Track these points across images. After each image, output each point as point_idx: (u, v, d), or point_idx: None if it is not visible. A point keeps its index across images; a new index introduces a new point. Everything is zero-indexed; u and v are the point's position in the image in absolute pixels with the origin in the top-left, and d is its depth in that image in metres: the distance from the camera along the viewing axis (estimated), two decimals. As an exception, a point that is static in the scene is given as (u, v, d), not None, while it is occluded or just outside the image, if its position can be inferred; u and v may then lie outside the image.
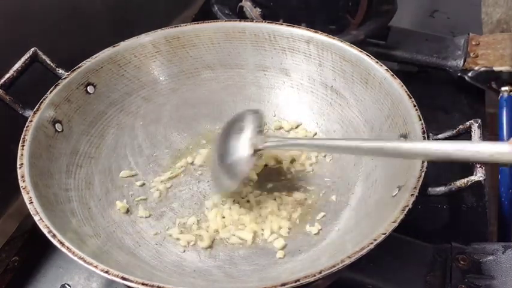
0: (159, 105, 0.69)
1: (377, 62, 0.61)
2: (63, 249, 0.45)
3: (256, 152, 0.55)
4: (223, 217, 0.59)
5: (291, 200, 0.61)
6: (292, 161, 0.65)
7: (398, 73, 0.60)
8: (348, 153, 0.62)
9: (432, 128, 0.56)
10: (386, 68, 0.61)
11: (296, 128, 0.69)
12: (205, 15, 0.90)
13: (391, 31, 0.87)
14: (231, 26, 0.69)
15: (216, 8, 0.84)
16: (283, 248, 0.56)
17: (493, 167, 0.83)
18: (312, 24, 0.69)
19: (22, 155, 0.52)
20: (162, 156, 0.67)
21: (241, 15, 0.82)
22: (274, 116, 0.70)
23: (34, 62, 0.61)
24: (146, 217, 0.60)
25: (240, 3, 0.81)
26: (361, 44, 0.65)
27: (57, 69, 0.62)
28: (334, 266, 0.43)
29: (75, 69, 0.62)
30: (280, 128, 0.69)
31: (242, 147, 0.55)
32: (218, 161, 0.58)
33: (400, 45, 0.86)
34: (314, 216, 0.59)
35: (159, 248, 0.57)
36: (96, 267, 0.43)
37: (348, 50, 0.64)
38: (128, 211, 0.60)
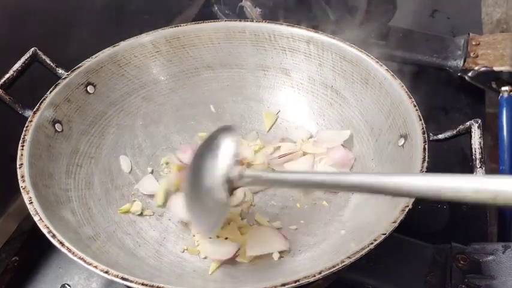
0: (159, 105, 0.69)
1: (377, 62, 0.62)
2: (63, 250, 0.45)
3: (234, 190, 0.49)
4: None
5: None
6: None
7: (398, 73, 0.60)
8: (335, 190, 0.58)
9: (432, 128, 0.56)
10: (387, 68, 0.61)
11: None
12: (205, 15, 0.90)
13: (391, 31, 0.87)
14: (231, 26, 0.69)
15: (216, 8, 0.84)
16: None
17: (493, 166, 0.83)
18: (312, 24, 0.69)
19: (22, 155, 0.52)
20: (162, 156, 0.67)
21: (241, 15, 0.82)
22: (277, 114, 0.70)
23: (34, 62, 0.61)
24: (147, 216, 0.60)
25: (240, 3, 0.81)
26: (361, 44, 0.65)
27: (57, 69, 0.62)
28: (334, 266, 0.43)
29: (75, 69, 0.62)
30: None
31: (218, 188, 0.48)
32: (193, 198, 0.51)
33: (400, 45, 0.86)
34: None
35: (159, 248, 0.57)
36: (96, 267, 0.43)
37: (348, 50, 0.64)
38: (141, 213, 0.60)
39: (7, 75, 0.58)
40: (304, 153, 0.66)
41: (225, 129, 0.52)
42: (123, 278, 0.43)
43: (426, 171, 0.49)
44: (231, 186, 0.49)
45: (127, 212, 0.60)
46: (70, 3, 0.72)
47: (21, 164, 0.51)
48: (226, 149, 0.49)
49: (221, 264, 0.55)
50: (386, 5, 0.84)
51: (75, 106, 0.61)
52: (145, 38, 0.67)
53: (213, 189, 0.48)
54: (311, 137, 0.68)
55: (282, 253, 0.56)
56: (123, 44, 0.66)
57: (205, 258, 0.56)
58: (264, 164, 0.65)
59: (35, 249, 0.62)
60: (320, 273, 0.42)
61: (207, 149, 0.51)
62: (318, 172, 0.60)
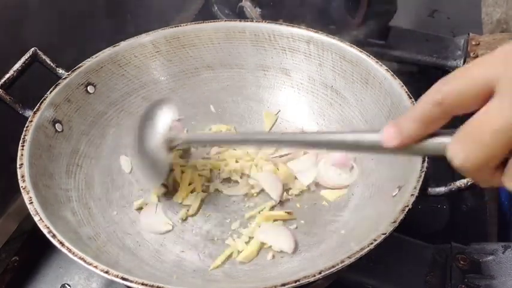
0: (159, 105, 0.69)
1: (377, 62, 0.61)
2: (63, 250, 0.45)
3: (172, 149, 0.56)
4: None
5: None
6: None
7: (398, 73, 0.60)
8: (285, 147, 0.63)
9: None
10: (387, 68, 0.61)
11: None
12: (205, 15, 0.90)
13: (391, 31, 0.87)
14: (231, 26, 0.69)
15: (216, 8, 0.84)
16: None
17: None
18: (312, 24, 0.69)
19: (22, 155, 0.52)
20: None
21: (241, 15, 0.82)
22: (277, 114, 0.70)
23: (34, 62, 0.61)
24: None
25: (240, 3, 0.81)
26: (361, 44, 0.65)
27: (57, 69, 0.62)
28: (334, 266, 0.43)
29: (75, 69, 0.62)
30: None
31: (157, 146, 0.55)
32: (138, 157, 0.58)
33: (400, 45, 0.86)
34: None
35: (159, 248, 0.57)
36: (96, 267, 0.43)
37: (348, 50, 0.64)
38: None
39: (7, 75, 0.58)
40: (305, 152, 0.66)
41: (160, 102, 0.60)
42: (123, 278, 0.43)
43: (426, 171, 0.49)
44: (169, 146, 0.56)
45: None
46: (70, 3, 0.72)
47: (21, 164, 0.51)
48: (163, 116, 0.57)
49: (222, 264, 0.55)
50: (386, 5, 0.84)
51: (75, 106, 0.61)
52: (145, 38, 0.67)
53: (155, 149, 0.56)
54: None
55: (281, 253, 0.56)
56: (123, 44, 0.66)
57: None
58: (267, 160, 0.65)
59: (35, 249, 0.62)
60: (320, 273, 0.42)
61: (147, 119, 0.58)
62: (252, 132, 0.68)
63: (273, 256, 0.56)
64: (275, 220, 0.59)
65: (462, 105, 0.34)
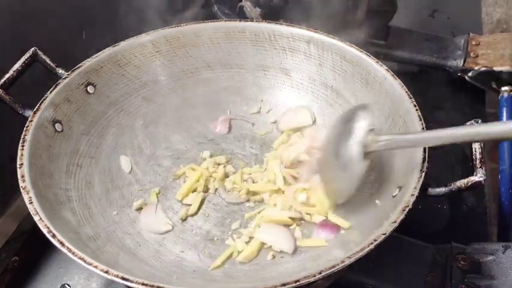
0: (159, 105, 0.69)
1: (377, 62, 0.61)
2: (63, 249, 0.45)
3: (368, 154, 0.52)
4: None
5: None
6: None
7: (398, 73, 0.60)
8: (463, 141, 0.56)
9: (432, 128, 0.56)
10: (387, 68, 0.61)
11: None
12: (205, 15, 0.90)
13: (391, 31, 0.87)
14: (231, 25, 0.69)
15: (216, 8, 0.84)
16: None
17: (493, 166, 0.83)
18: (312, 24, 0.69)
19: (22, 155, 0.52)
20: (162, 156, 0.67)
21: (241, 15, 0.82)
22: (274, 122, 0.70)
23: (34, 62, 0.61)
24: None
25: (240, 3, 0.81)
26: (361, 44, 0.65)
27: (57, 69, 0.62)
28: (334, 266, 0.43)
29: (75, 69, 0.62)
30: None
31: (352, 151, 0.52)
32: (330, 166, 0.56)
33: (400, 45, 0.86)
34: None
35: (159, 248, 0.57)
36: (96, 267, 0.43)
37: (348, 50, 0.64)
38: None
39: (7, 75, 0.59)
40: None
41: (359, 107, 0.55)
42: (123, 278, 0.43)
43: (426, 172, 0.49)
44: (366, 151, 0.51)
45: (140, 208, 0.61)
46: (70, 3, 0.72)
47: (21, 164, 0.51)
48: (361, 120, 0.53)
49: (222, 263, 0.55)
50: (386, 5, 0.84)
51: (75, 106, 0.61)
52: (145, 38, 0.67)
53: (348, 152, 0.52)
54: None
55: (281, 253, 0.56)
56: (123, 44, 0.66)
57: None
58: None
59: (35, 249, 0.62)
60: (320, 273, 0.42)
61: (343, 123, 0.55)
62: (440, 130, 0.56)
63: (273, 256, 0.56)
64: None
65: None
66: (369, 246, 0.44)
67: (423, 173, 0.49)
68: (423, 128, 0.53)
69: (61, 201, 0.53)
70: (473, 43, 0.84)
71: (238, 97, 0.71)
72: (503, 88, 0.81)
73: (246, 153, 0.67)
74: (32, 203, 0.48)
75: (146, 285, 0.42)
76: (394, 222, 0.45)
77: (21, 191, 0.49)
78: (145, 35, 0.68)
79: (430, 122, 0.57)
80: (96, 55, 0.64)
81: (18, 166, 0.51)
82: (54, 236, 0.45)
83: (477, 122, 0.54)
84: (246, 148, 0.68)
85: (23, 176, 0.50)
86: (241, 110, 0.71)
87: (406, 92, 0.57)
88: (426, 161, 0.50)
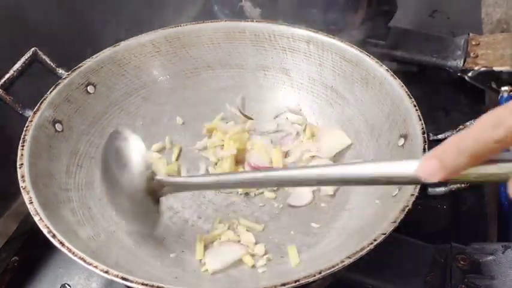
0: (159, 105, 0.69)
1: (377, 62, 0.62)
2: (63, 249, 0.45)
3: (159, 198, 0.50)
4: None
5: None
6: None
7: (398, 73, 0.60)
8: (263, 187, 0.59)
9: (432, 128, 0.56)
10: (387, 68, 0.61)
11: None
12: (205, 15, 0.90)
13: (391, 31, 0.87)
14: (231, 26, 0.69)
15: (216, 8, 0.84)
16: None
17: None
18: (312, 23, 0.69)
19: (22, 155, 0.52)
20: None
21: (241, 15, 0.82)
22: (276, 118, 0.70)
23: (34, 62, 0.61)
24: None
25: (240, 3, 0.81)
26: (361, 44, 0.65)
27: (57, 69, 0.62)
28: (333, 266, 0.43)
29: (75, 69, 0.62)
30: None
31: (142, 202, 0.49)
32: (123, 211, 0.53)
33: (400, 45, 0.86)
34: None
35: (159, 248, 0.57)
36: (96, 267, 0.43)
37: (348, 50, 0.64)
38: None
39: (7, 75, 0.59)
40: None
41: (123, 137, 0.50)
42: (123, 278, 0.43)
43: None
44: (155, 197, 0.50)
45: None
46: (70, 3, 0.72)
47: (21, 164, 0.51)
48: (136, 160, 0.48)
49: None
50: (386, 5, 0.84)
51: (75, 106, 0.61)
52: (145, 38, 0.67)
53: (138, 202, 0.49)
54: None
55: (280, 253, 0.56)
56: (123, 44, 0.66)
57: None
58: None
59: (35, 249, 0.62)
60: (320, 273, 0.42)
61: (115, 161, 0.50)
62: (242, 172, 0.60)
63: (273, 257, 0.56)
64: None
65: None
66: (368, 246, 0.44)
67: (423, 173, 0.49)
68: (423, 129, 0.53)
69: (61, 201, 0.53)
70: (473, 43, 0.84)
71: (238, 97, 0.71)
72: (503, 88, 0.81)
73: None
74: (32, 203, 0.48)
75: (146, 285, 0.42)
76: (393, 222, 0.45)
77: (21, 191, 0.49)
78: (145, 35, 0.68)
79: (430, 122, 0.57)
80: (96, 55, 0.64)
81: (18, 166, 0.51)
82: (54, 236, 0.46)
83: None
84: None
85: (23, 176, 0.50)
86: (241, 110, 0.71)
87: (406, 92, 0.57)
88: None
